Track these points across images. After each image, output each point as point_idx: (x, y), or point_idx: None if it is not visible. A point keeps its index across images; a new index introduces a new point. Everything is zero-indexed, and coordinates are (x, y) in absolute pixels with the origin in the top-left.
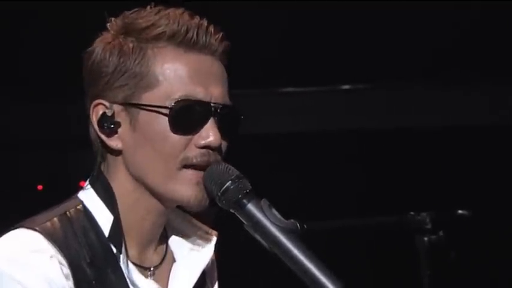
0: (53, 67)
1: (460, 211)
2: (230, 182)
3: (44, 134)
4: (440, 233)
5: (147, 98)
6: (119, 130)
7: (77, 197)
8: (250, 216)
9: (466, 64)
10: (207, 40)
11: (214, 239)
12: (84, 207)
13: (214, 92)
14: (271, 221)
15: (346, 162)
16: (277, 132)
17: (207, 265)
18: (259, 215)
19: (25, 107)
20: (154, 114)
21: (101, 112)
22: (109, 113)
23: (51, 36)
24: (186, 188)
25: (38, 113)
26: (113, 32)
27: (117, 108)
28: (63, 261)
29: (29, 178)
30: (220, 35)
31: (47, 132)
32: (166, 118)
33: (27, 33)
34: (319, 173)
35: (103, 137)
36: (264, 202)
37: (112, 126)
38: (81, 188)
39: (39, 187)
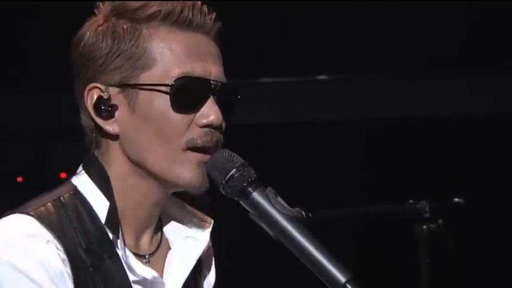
0: (32, 58)
1: (456, 199)
2: (235, 169)
3: (23, 125)
4: (440, 222)
5: (145, 77)
6: (116, 113)
7: (70, 182)
8: (255, 205)
9: (459, 53)
10: (202, 20)
11: (210, 226)
12: (78, 192)
13: (213, 70)
14: (277, 210)
15: (343, 153)
16: (259, 123)
17: (203, 252)
18: (264, 203)
19: (3, 98)
20: (154, 93)
21: (96, 96)
22: (105, 96)
23: (36, 28)
24: (188, 170)
25: (17, 104)
26: (102, 15)
27: (113, 90)
28: (60, 247)
29: (9, 170)
30: (214, 15)
31: (27, 124)
32: (167, 96)
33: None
34: (317, 164)
35: (99, 121)
36: (270, 190)
37: (109, 109)
38: (62, 179)
39: (19, 179)
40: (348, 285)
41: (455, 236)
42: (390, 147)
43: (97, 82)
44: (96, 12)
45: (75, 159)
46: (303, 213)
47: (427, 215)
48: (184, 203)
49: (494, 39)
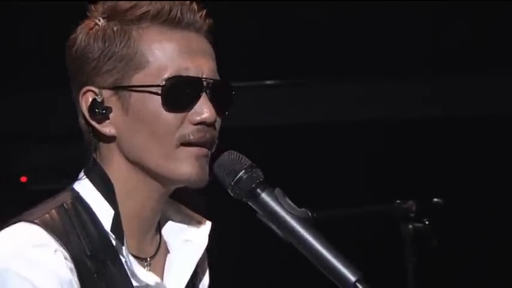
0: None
1: (436, 199)
2: (243, 171)
3: None
4: (426, 221)
5: (137, 79)
6: (111, 115)
7: (72, 189)
8: (264, 206)
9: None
10: (192, 17)
11: (207, 229)
12: (81, 198)
13: (205, 67)
14: (286, 210)
15: (329, 154)
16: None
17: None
18: (273, 204)
19: None
20: (146, 94)
21: (90, 99)
22: (99, 99)
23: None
24: (186, 165)
25: None
26: (94, 17)
27: (106, 93)
28: (67, 255)
29: None
30: (204, 12)
31: None
32: (159, 97)
33: None
34: (303, 166)
35: (95, 124)
36: (278, 191)
37: (103, 112)
38: (22, 183)
39: None
40: (357, 285)
41: (442, 235)
42: (377, 147)
43: (90, 85)
44: (88, 14)
45: (36, 162)
46: (309, 213)
47: (412, 214)
48: (181, 205)
49: (486, 40)
